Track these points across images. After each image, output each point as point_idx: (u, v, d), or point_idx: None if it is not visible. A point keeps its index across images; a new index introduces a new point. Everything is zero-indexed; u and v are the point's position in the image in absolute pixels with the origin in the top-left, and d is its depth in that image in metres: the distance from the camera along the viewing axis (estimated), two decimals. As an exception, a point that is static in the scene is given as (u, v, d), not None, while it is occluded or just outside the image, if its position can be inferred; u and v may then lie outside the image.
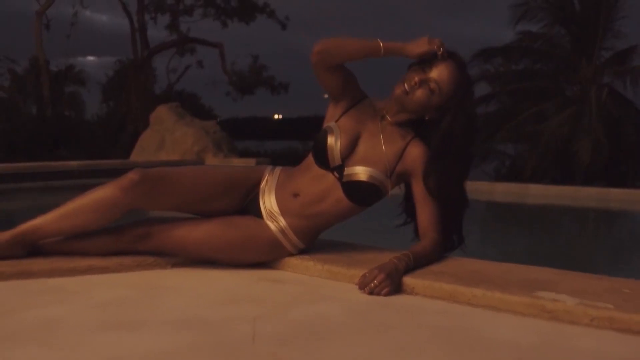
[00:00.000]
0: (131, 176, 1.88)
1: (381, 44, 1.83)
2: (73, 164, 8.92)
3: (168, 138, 10.67)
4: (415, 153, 1.95)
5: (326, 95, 2.09)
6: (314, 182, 1.96)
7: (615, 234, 5.86)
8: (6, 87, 17.16)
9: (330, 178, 1.95)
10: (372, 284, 1.67)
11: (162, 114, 11.13)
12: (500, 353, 1.28)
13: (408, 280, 1.72)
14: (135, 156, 11.16)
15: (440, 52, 1.84)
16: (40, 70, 15.51)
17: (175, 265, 2.00)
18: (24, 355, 1.23)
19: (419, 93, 1.87)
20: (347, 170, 1.93)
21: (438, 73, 1.85)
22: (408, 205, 2.04)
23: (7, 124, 12.99)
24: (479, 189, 7.21)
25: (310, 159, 2.00)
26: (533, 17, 13.21)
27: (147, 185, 1.88)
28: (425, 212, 1.91)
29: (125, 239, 1.98)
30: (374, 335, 1.37)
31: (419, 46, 1.84)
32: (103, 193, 1.89)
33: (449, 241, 1.96)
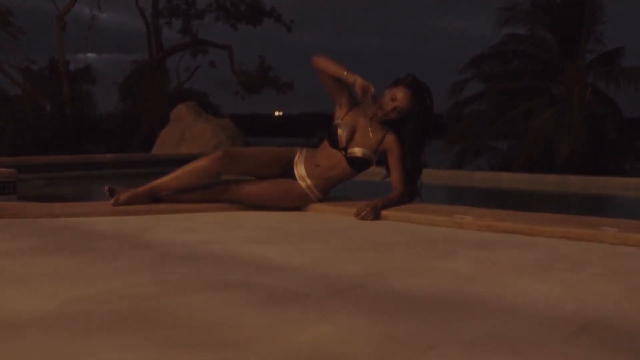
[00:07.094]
0: (218, 153, 3.13)
1: (345, 74, 3.06)
2: (108, 156, 10.17)
3: (187, 133, 11.92)
4: (390, 140, 3.20)
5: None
6: (329, 157, 3.20)
7: (571, 211, 7.06)
8: (27, 86, 18.28)
9: (339, 155, 3.19)
10: (362, 214, 2.92)
11: (182, 111, 12.38)
12: (427, 236, 2.52)
13: (383, 213, 2.97)
14: (157, 150, 12.40)
15: (368, 96, 3.02)
16: (59, 70, 16.71)
17: (242, 209, 3.24)
18: (187, 237, 2.46)
19: (392, 114, 3.13)
20: (350, 150, 3.17)
21: (401, 101, 3.10)
22: (387, 170, 3.28)
23: (36, 121, 14.23)
24: (460, 177, 8.40)
25: (325, 143, 3.24)
26: (519, 20, 14.30)
27: (228, 158, 3.12)
28: (395, 174, 3.16)
29: (212, 192, 3.23)
30: (363, 232, 2.63)
31: (357, 85, 3.01)
32: (200, 163, 3.12)
33: (410, 191, 3.19)
